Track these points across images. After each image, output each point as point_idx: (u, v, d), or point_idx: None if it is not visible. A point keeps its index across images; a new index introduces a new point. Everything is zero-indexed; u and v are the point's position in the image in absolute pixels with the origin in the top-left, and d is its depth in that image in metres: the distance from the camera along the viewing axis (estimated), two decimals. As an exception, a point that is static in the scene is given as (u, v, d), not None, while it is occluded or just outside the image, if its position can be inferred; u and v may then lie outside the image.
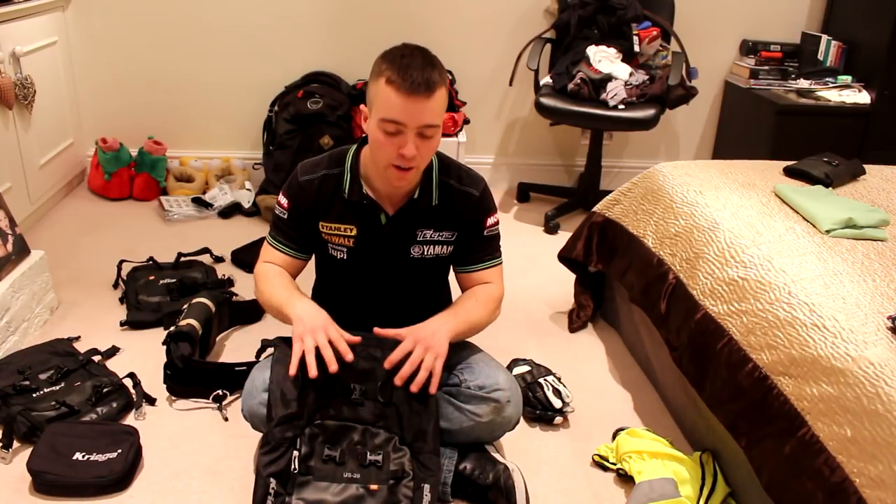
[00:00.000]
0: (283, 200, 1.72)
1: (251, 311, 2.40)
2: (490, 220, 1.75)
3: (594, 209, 2.38)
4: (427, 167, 1.67)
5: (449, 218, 1.71)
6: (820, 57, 3.47)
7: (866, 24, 3.30)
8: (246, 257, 2.76)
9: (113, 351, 2.16)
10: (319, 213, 1.70)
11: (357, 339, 1.58)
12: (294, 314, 1.59)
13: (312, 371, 1.49)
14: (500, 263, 1.79)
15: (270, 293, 1.68)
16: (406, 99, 1.47)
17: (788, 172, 2.25)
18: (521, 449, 1.85)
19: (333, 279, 1.81)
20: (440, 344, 1.57)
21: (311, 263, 1.84)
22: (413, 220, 1.69)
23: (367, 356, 1.63)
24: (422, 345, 1.56)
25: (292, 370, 1.51)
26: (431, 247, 1.72)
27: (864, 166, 2.32)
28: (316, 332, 1.53)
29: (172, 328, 2.03)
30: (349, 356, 1.53)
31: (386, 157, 1.54)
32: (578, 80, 3.10)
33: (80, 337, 2.21)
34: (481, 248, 1.76)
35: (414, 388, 1.53)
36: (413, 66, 1.47)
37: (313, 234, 1.73)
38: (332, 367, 1.50)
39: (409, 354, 1.56)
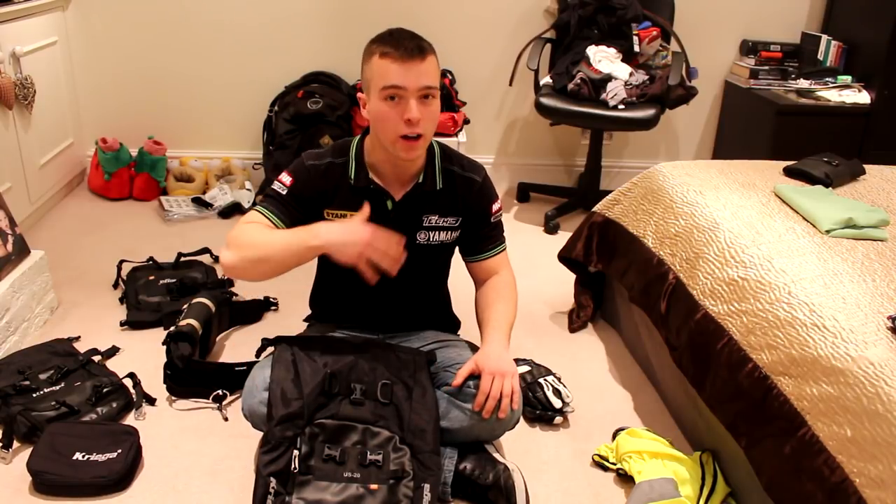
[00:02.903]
0: (286, 178, 1.68)
1: (251, 311, 2.40)
2: (495, 207, 1.80)
3: (594, 209, 2.38)
4: (430, 153, 1.70)
5: (453, 203, 1.73)
6: (820, 57, 3.47)
7: (866, 24, 3.30)
8: (246, 257, 2.76)
9: (113, 351, 2.16)
10: (325, 200, 1.69)
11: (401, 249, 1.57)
12: (323, 240, 1.53)
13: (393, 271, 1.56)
14: (506, 248, 1.86)
15: (267, 240, 1.57)
16: (402, 64, 1.52)
17: (788, 172, 2.25)
18: (521, 449, 1.85)
19: (337, 271, 1.78)
20: (509, 365, 1.64)
21: (313, 264, 1.84)
22: (419, 206, 1.70)
23: (367, 356, 1.64)
24: (499, 376, 1.61)
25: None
26: (437, 233, 1.74)
27: (864, 166, 2.32)
28: (368, 247, 1.52)
29: (172, 328, 2.03)
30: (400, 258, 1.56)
31: (392, 128, 1.55)
32: (578, 80, 3.10)
33: (80, 337, 2.21)
34: (489, 236, 1.80)
35: (501, 414, 1.60)
36: (402, 38, 1.55)
37: (310, 218, 1.67)
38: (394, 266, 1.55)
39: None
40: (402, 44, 1.53)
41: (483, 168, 1.79)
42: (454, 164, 1.74)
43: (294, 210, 1.67)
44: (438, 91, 1.58)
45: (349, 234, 1.52)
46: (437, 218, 1.73)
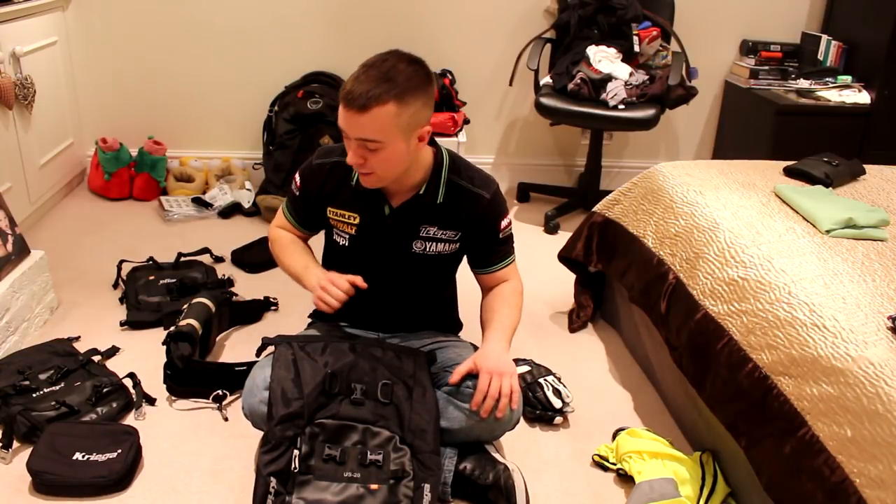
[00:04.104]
0: (297, 180, 1.77)
1: (251, 311, 2.40)
2: (503, 223, 1.77)
3: (594, 209, 2.38)
4: (437, 165, 1.69)
5: (455, 217, 1.72)
6: (820, 57, 3.47)
7: (866, 24, 3.30)
8: (246, 257, 2.76)
9: (113, 351, 2.16)
10: (328, 198, 1.73)
11: (359, 281, 1.65)
12: (310, 287, 1.70)
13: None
14: (515, 258, 1.85)
15: (289, 261, 1.79)
16: (344, 110, 1.51)
17: (788, 172, 2.25)
18: (521, 449, 1.85)
19: (336, 266, 1.83)
20: (508, 365, 1.63)
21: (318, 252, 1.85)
22: (416, 215, 1.70)
23: (367, 356, 1.64)
24: (496, 376, 1.60)
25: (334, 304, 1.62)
26: (434, 244, 1.73)
27: (864, 166, 2.32)
28: (321, 284, 1.64)
29: (172, 328, 2.03)
30: (359, 282, 1.65)
31: None
32: (578, 80, 3.10)
33: (80, 337, 2.21)
34: (498, 250, 1.79)
35: (499, 414, 1.60)
36: (362, 80, 1.49)
37: (319, 216, 1.78)
38: (356, 283, 1.64)
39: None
40: (353, 88, 1.48)
41: (494, 183, 1.76)
42: (462, 178, 1.71)
43: (304, 212, 1.80)
44: (387, 142, 1.51)
45: (317, 280, 1.67)
46: (435, 229, 1.71)
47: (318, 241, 1.87)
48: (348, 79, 1.51)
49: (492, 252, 1.79)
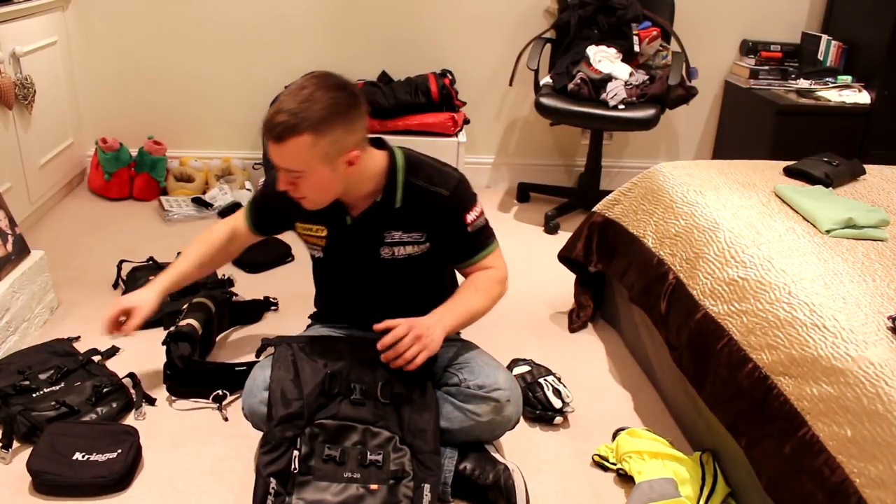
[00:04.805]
0: (264, 185, 1.83)
1: (251, 311, 2.40)
2: (470, 217, 1.70)
3: (594, 209, 2.38)
4: (391, 169, 1.65)
5: (417, 219, 1.68)
6: (820, 57, 3.47)
7: (866, 24, 3.30)
8: (246, 257, 2.75)
9: (113, 351, 2.16)
10: (293, 212, 1.73)
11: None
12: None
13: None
14: (497, 247, 1.77)
15: (177, 260, 1.95)
16: (267, 138, 1.49)
17: (788, 172, 2.25)
18: (521, 449, 1.85)
19: (319, 278, 1.87)
20: (432, 339, 1.57)
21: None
22: (378, 223, 1.68)
23: (367, 356, 1.64)
24: (414, 333, 1.56)
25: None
26: (402, 247, 1.70)
27: (864, 166, 2.32)
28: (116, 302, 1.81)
29: (172, 328, 2.03)
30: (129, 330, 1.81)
31: None
32: (578, 80, 3.10)
33: (80, 337, 2.21)
34: (470, 244, 1.73)
35: (392, 365, 1.58)
36: (279, 109, 1.46)
37: (275, 224, 1.86)
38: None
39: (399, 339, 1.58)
40: (271, 119, 1.45)
41: (455, 179, 1.68)
42: (420, 178, 1.66)
43: (263, 216, 1.88)
44: (307, 172, 1.50)
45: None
46: (400, 234, 1.69)
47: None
48: (271, 107, 1.49)
49: (464, 246, 1.73)
